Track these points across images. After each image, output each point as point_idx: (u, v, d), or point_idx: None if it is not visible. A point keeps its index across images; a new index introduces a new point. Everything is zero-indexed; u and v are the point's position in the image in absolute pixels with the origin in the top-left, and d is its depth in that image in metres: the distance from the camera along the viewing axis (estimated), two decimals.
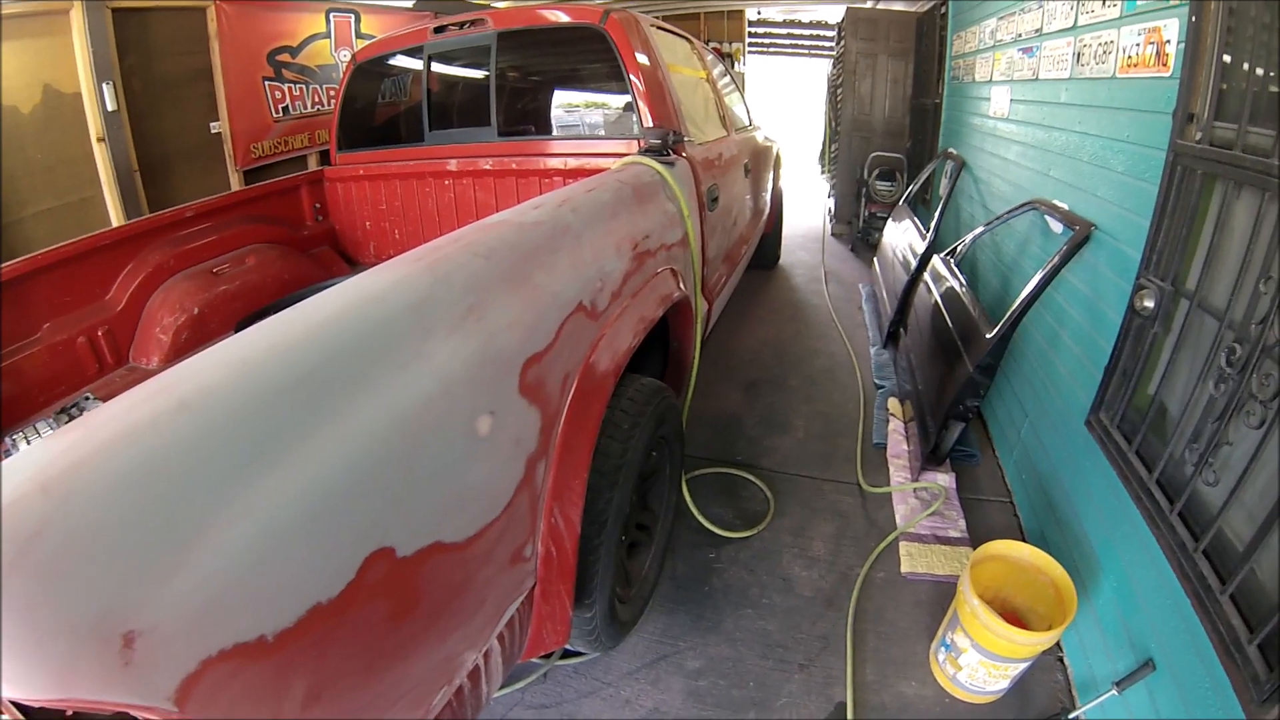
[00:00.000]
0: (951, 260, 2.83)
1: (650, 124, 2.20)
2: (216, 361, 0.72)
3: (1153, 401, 1.56)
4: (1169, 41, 1.61)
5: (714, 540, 2.20)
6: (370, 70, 2.82)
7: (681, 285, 1.85)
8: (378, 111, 2.92)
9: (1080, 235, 1.95)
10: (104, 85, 3.28)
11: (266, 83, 4.46)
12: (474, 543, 0.96)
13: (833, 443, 2.77)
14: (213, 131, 4.18)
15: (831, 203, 6.50)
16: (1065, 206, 2.19)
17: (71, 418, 1.95)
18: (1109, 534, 1.64)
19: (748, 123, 4.10)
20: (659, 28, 2.59)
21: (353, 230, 2.98)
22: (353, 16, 5.07)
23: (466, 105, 2.72)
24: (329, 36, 4.94)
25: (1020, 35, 2.76)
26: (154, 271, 2.38)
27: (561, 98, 2.84)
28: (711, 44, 8.15)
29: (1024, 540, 2.11)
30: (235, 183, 4.27)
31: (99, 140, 3.37)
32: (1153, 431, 1.57)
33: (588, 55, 2.46)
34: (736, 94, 4.07)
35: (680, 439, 1.97)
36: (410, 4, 5.46)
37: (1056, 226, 2.23)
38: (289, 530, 0.68)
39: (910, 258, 3.40)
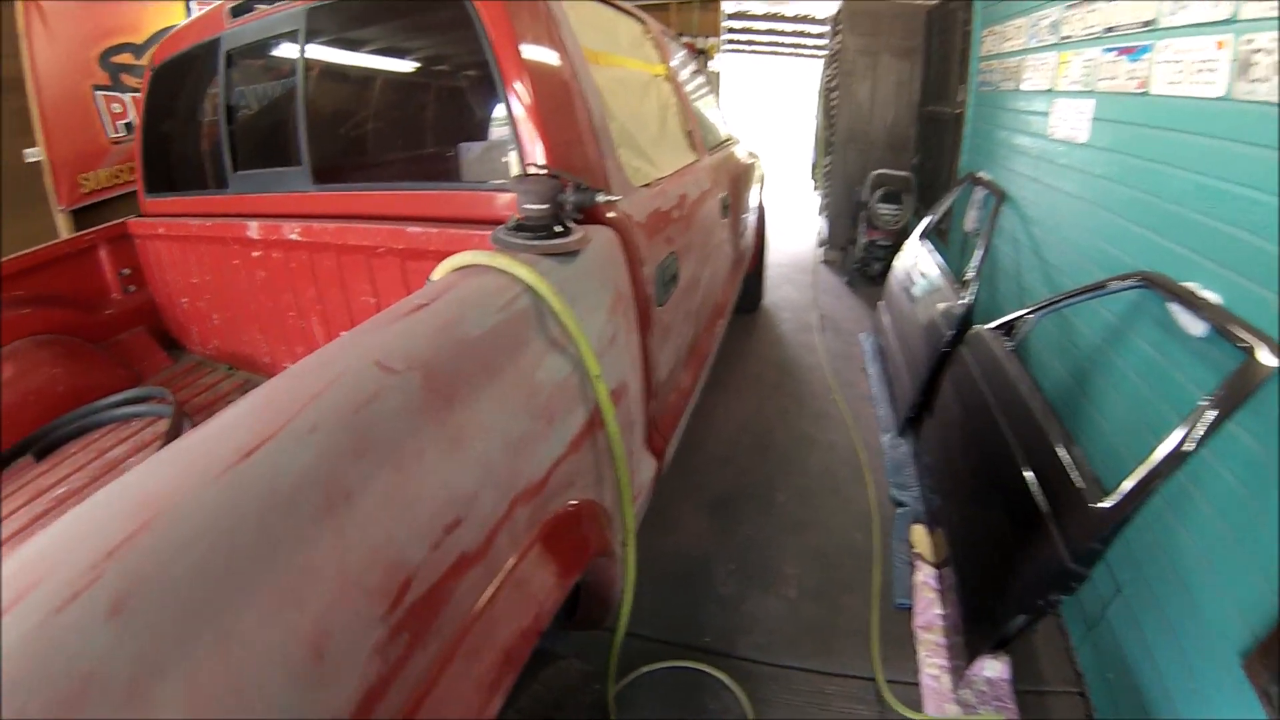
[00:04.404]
0: (1008, 340, 2.00)
1: (540, 166, 1.21)
2: None
3: None
4: None
5: None
6: (173, 76, 1.92)
7: (592, 537, 0.99)
8: (185, 137, 2.01)
9: (1264, 372, 1.14)
10: None
11: (99, 92, 3.38)
12: None
13: (835, 604, 1.94)
14: (28, 160, 3.14)
15: (823, 224, 5.68)
16: (1216, 298, 1.38)
17: None
18: None
19: (724, 136, 3.19)
20: None
21: (172, 307, 2.08)
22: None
23: (274, 133, 1.76)
24: None
25: (1113, 29, 1.92)
26: None
27: (408, 121, 1.87)
28: (684, 37, 7.30)
29: None
30: (62, 226, 3.25)
31: None
32: None
33: (446, 45, 1.53)
34: (711, 98, 3.19)
35: None
36: None
37: (1194, 327, 1.41)
38: None
39: (935, 316, 2.57)
